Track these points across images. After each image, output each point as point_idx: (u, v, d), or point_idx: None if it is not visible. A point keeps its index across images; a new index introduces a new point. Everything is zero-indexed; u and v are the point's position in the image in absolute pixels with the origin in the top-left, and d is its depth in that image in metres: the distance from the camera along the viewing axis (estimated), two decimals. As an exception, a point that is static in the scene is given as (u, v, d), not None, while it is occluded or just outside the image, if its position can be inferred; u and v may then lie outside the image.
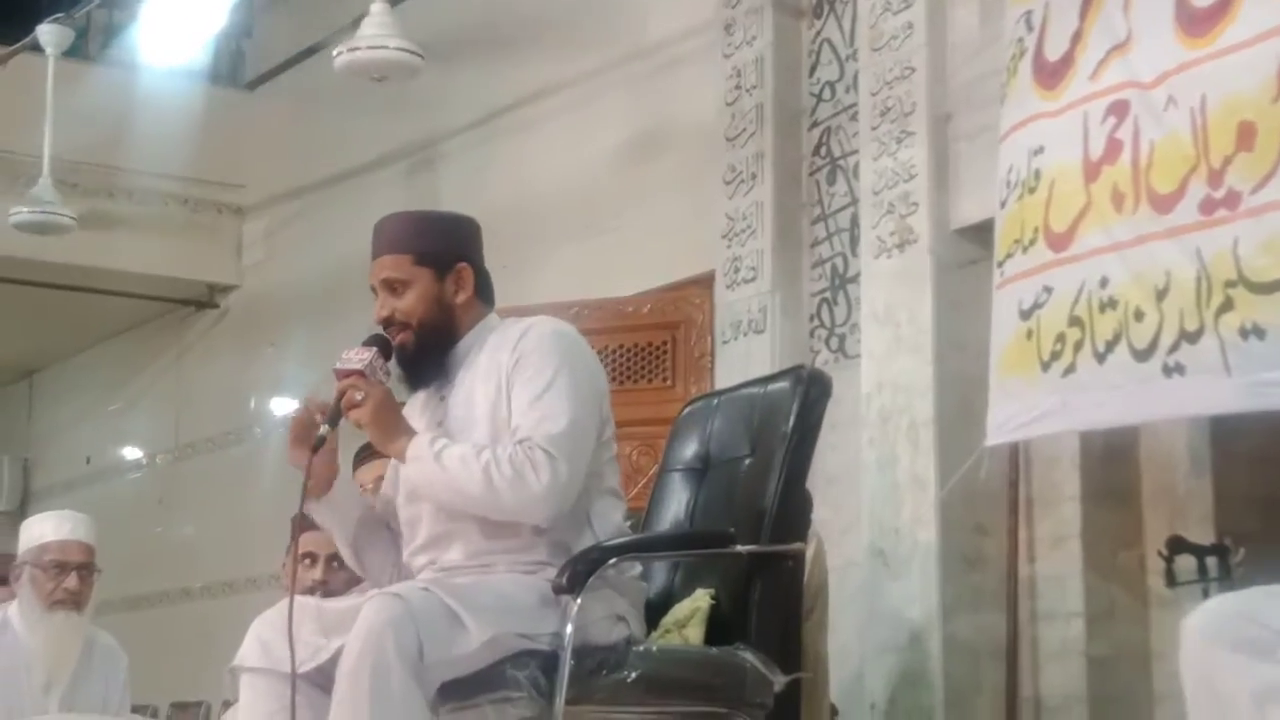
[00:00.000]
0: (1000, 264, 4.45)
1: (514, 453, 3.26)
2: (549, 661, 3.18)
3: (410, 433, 3.36)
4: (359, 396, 3.33)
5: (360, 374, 3.36)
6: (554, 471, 3.24)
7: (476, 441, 3.34)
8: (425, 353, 3.47)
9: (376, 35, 6.11)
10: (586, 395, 3.36)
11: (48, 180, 8.01)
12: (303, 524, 3.70)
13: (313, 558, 4.60)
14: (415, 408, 3.53)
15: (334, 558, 4.55)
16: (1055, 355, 4.15)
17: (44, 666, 4.71)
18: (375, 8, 6.26)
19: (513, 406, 3.35)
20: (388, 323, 3.46)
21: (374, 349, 3.40)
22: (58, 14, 7.97)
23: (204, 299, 9.90)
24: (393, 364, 3.44)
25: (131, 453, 10.68)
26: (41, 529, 4.81)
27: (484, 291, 3.52)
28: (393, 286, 3.46)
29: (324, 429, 3.38)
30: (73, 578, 4.71)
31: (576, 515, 3.35)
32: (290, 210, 9.27)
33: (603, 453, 3.42)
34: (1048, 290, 4.20)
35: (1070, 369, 4.10)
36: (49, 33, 7.84)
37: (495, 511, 3.31)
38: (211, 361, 9.83)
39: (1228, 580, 4.31)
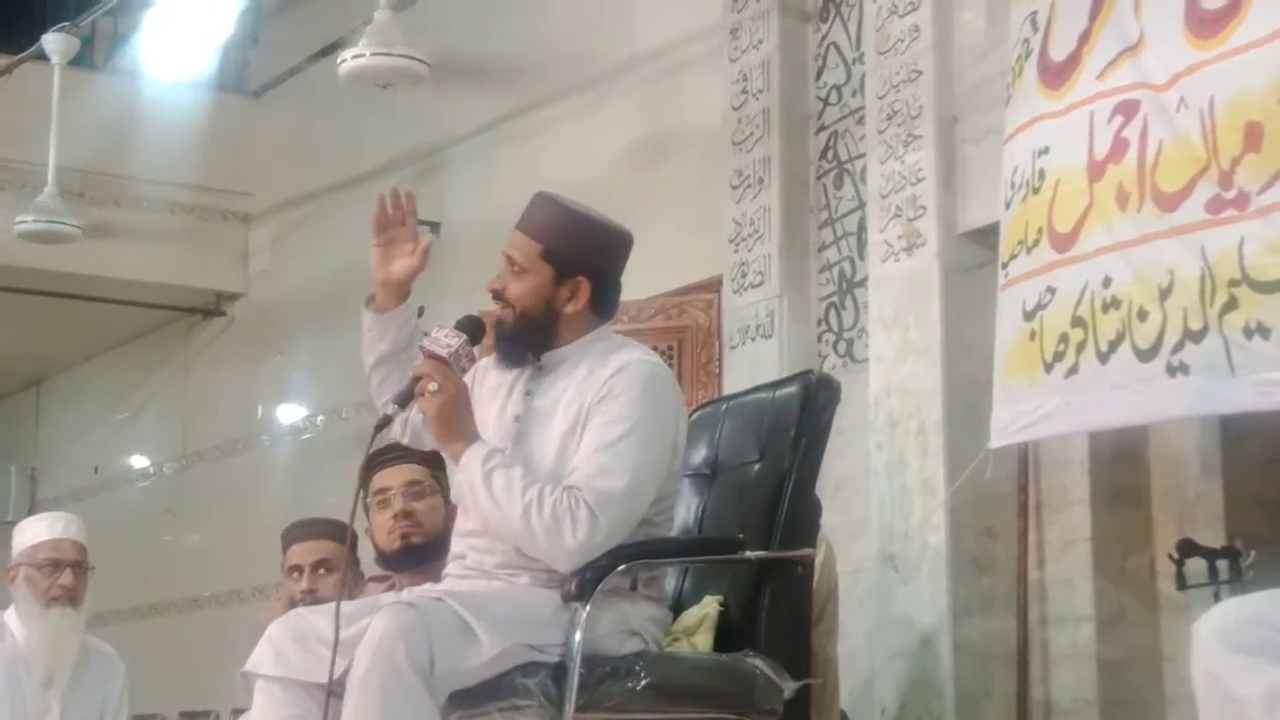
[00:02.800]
0: (1004, 265, 4.44)
1: (558, 499, 3.23)
2: (558, 670, 3.17)
3: (471, 437, 3.32)
4: (433, 387, 3.29)
5: (444, 361, 3.33)
6: (592, 530, 3.22)
7: (534, 469, 3.32)
8: (518, 340, 3.44)
9: (381, 43, 6.10)
10: (655, 458, 3.31)
11: (54, 189, 8.02)
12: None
13: (297, 569, 4.62)
14: (490, 379, 3.50)
15: (319, 564, 4.58)
16: (1058, 356, 4.14)
17: (43, 664, 4.77)
18: (380, 15, 6.26)
19: (581, 444, 3.31)
20: (497, 295, 3.44)
21: (464, 336, 3.37)
22: (63, 23, 7.98)
23: (211, 307, 9.90)
24: (487, 338, 3.45)
25: (139, 461, 10.68)
26: (35, 529, 4.90)
27: (600, 306, 3.45)
28: (514, 265, 3.42)
29: (391, 408, 3.39)
30: (67, 574, 4.78)
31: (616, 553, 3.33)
32: (297, 217, 9.27)
33: (660, 503, 3.40)
34: (1051, 291, 4.19)
35: (1073, 369, 4.09)
36: (54, 41, 7.85)
37: (525, 547, 3.30)
38: (218, 369, 9.83)
39: (1238, 583, 4.30)
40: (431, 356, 3.34)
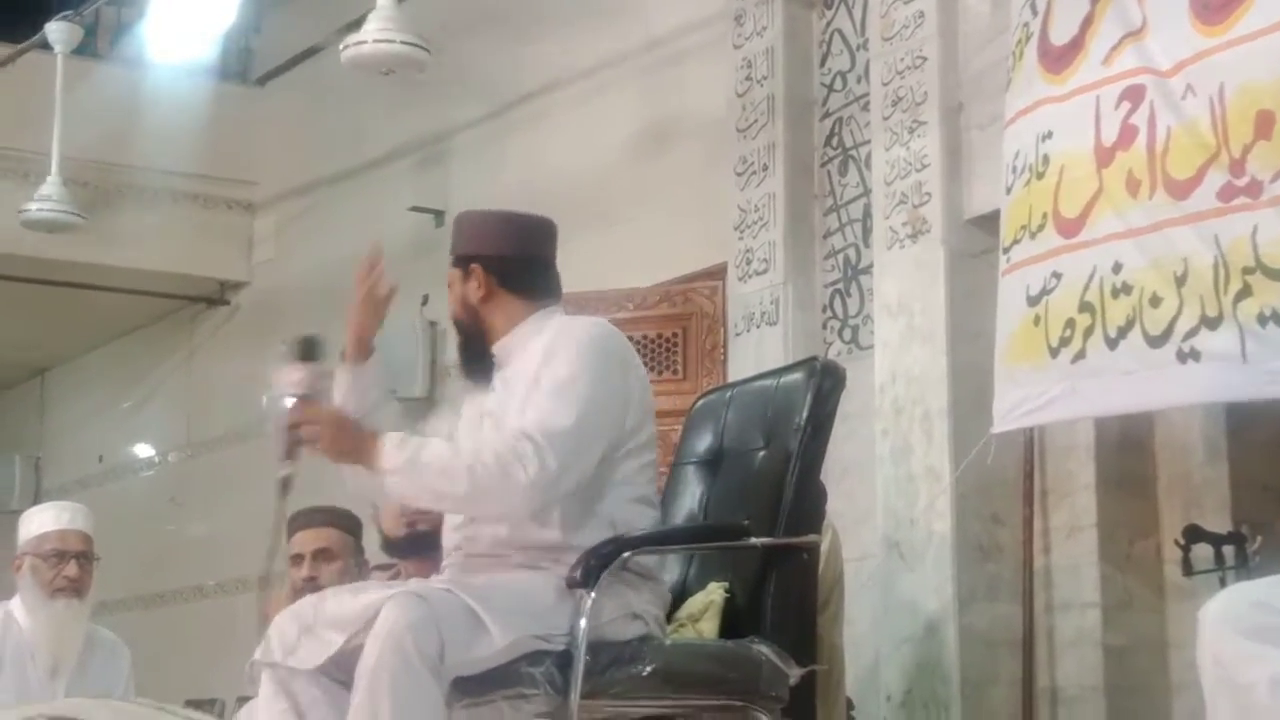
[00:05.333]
0: (1006, 250, 4.44)
1: (500, 445, 3.22)
2: (564, 657, 3.17)
3: (374, 443, 3.26)
4: (310, 435, 3.26)
5: (301, 400, 3.27)
6: (542, 466, 3.19)
7: (460, 439, 3.32)
8: (465, 350, 3.50)
9: (383, 30, 6.09)
10: (604, 401, 3.30)
11: (57, 178, 8.01)
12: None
13: (299, 558, 4.63)
14: (474, 400, 3.51)
15: (319, 553, 4.59)
16: (1064, 341, 4.13)
17: (49, 653, 4.78)
18: (382, 2, 6.24)
19: (528, 398, 3.32)
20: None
21: (301, 365, 3.31)
22: (66, 11, 7.96)
23: (215, 296, 9.89)
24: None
25: (143, 450, 10.67)
26: (40, 519, 4.89)
27: (519, 287, 3.46)
28: (449, 286, 3.50)
29: (287, 469, 3.31)
30: (72, 565, 4.78)
31: (600, 522, 3.32)
32: (301, 206, 9.26)
33: (631, 460, 3.38)
34: (1056, 276, 4.19)
35: (1080, 355, 4.08)
36: (58, 30, 7.84)
37: (483, 505, 3.28)
38: (223, 359, 9.82)
39: (1244, 569, 4.29)
40: (290, 401, 3.29)
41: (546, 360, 3.33)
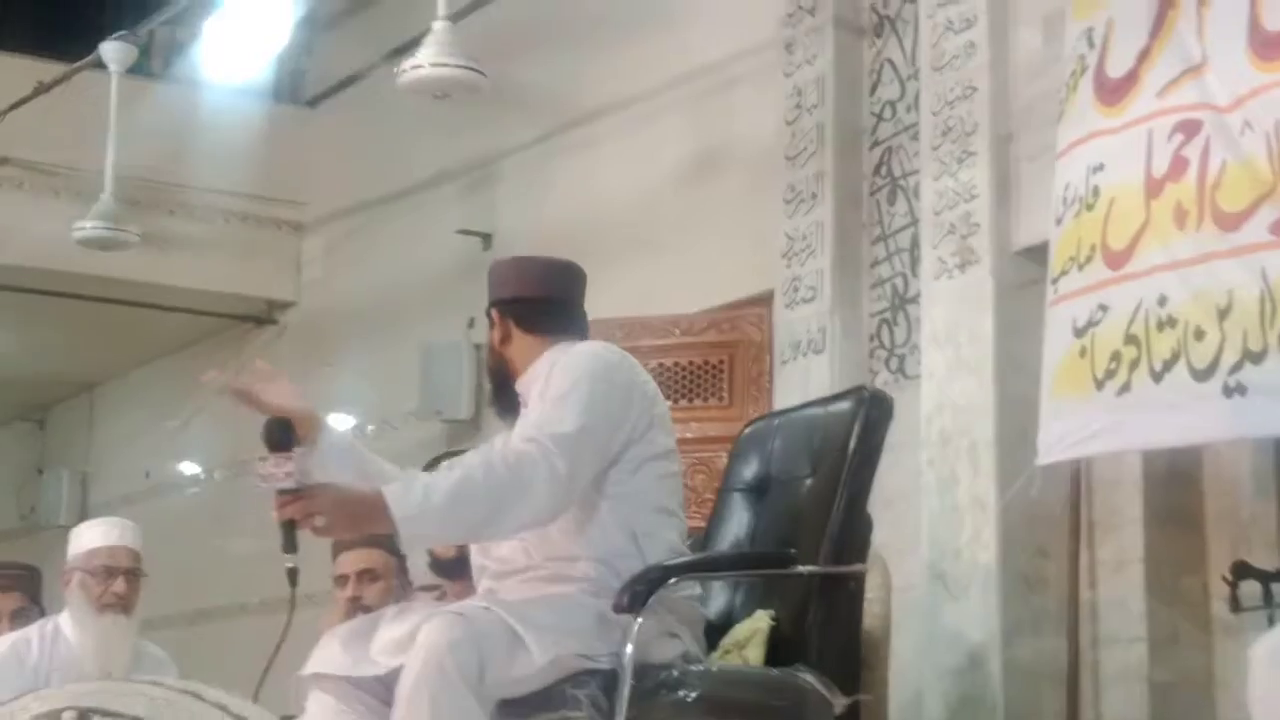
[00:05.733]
0: (1054, 281, 4.43)
1: (507, 456, 3.23)
2: (608, 680, 3.18)
3: (378, 501, 3.18)
4: (319, 522, 3.21)
5: (296, 491, 3.20)
6: (552, 468, 3.21)
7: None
8: (494, 391, 3.61)
9: (439, 53, 6.12)
10: (604, 409, 3.34)
11: (110, 197, 8.07)
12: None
13: (344, 579, 4.66)
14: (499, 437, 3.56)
15: (364, 574, 4.62)
16: (1110, 374, 4.12)
17: (97, 667, 4.79)
18: (437, 26, 6.27)
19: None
20: None
21: (286, 451, 3.23)
22: (121, 31, 8.03)
23: (263, 315, 9.95)
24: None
25: (190, 468, 10.72)
26: (90, 535, 4.92)
27: (535, 326, 3.54)
28: None
29: (290, 560, 3.29)
30: (120, 582, 4.80)
31: (621, 532, 3.33)
32: (349, 227, 9.30)
33: (648, 470, 3.41)
34: (1103, 308, 4.17)
35: (1125, 388, 4.07)
36: (113, 50, 7.89)
37: (507, 520, 3.25)
38: (270, 377, 9.84)
39: (1293, 606, 4.27)
40: (281, 494, 3.23)
41: (547, 381, 3.40)
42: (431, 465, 4.29)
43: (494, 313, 3.58)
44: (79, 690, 2.63)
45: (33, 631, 4.83)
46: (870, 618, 3.64)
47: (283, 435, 3.27)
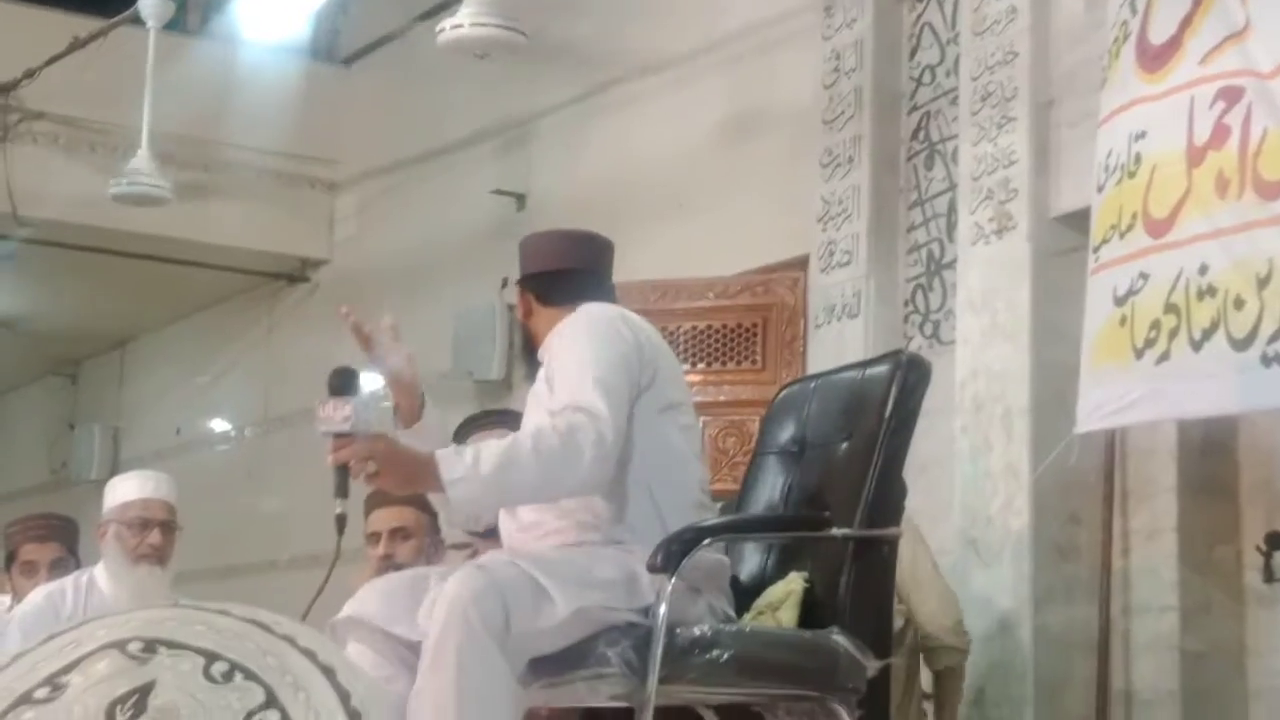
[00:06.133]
0: (1095, 249, 4.41)
1: (554, 429, 3.22)
2: (641, 639, 3.17)
3: (430, 462, 3.20)
4: (370, 468, 3.21)
5: (348, 435, 3.20)
6: (599, 434, 3.21)
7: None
8: (525, 362, 3.63)
9: (480, 12, 6.11)
10: (610, 359, 3.34)
11: (146, 153, 8.08)
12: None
13: (375, 536, 4.66)
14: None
15: (397, 531, 4.62)
16: (1149, 342, 4.10)
17: None
18: (476, -15, 6.26)
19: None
20: None
21: (346, 398, 3.23)
22: (158, -15, 8.02)
23: (295, 273, 9.97)
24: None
25: (220, 425, 10.76)
26: (125, 487, 4.94)
27: (553, 299, 3.56)
28: None
29: (339, 505, 3.29)
30: (155, 533, 4.83)
31: (636, 485, 3.33)
32: (383, 186, 9.31)
33: (661, 422, 3.40)
34: (1144, 276, 4.16)
35: (1164, 356, 4.05)
36: (150, 6, 7.90)
37: (553, 493, 3.28)
38: (301, 335, 9.88)
39: (1326, 577, 4.26)
40: (338, 438, 3.22)
41: (550, 357, 3.44)
42: (464, 426, 4.30)
43: (518, 287, 3.64)
44: (146, 618, 2.61)
45: (68, 582, 4.85)
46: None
47: (346, 381, 3.28)
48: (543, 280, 3.58)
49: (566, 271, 3.58)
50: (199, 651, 2.51)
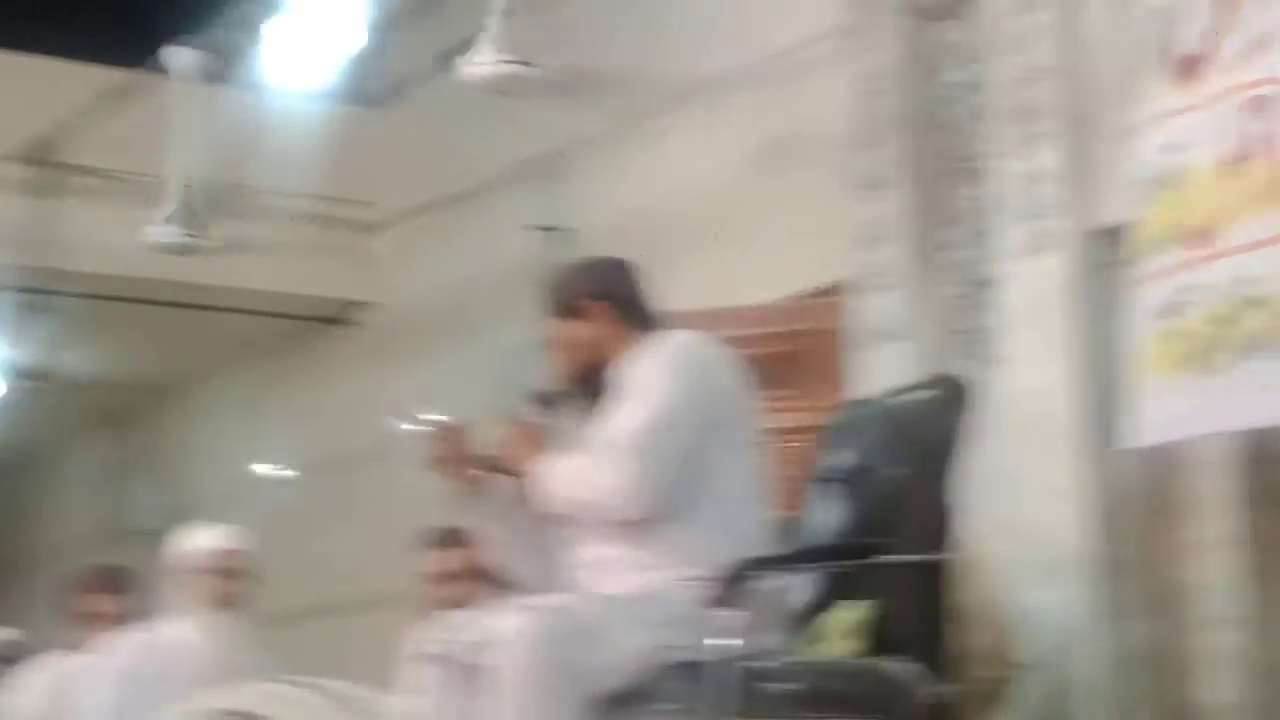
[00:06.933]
0: (1136, 263, 4.40)
1: (601, 454, 3.39)
2: (707, 674, 3.18)
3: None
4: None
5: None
6: (639, 460, 3.34)
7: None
8: (580, 393, 3.70)
9: (501, 50, 6.16)
10: (678, 396, 3.42)
11: (182, 202, 8.14)
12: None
13: (429, 577, 4.69)
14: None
15: (448, 574, 4.65)
16: (1195, 356, 4.09)
17: (209, 667, 4.87)
18: (499, 23, 6.31)
19: None
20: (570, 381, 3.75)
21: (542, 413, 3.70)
22: (188, 36, 8.09)
23: (338, 315, 10.01)
24: None
25: (269, 469, 10.81)
26: (206, 538, 5.07)
27: (630, 318, 3.67)
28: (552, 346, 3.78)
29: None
30: (238, 582, 4.93)
31: (703, 522, 3.35)
32: (419, 225, 9.34)
33: (732, 457, 3.43)
34: (1186, 289, 4.15)
35: (1212, 369, 4.04)
36: (180, 54, 7.97)
37: (600, 510, 3.42)
38: (346, 378, 9.93)
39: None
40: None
41: (637, 374, 3.52)
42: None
43: (592, 305, 3.72)
44: (252, 693, 2.68)
45: (150, 634, 4.95)
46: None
47: (548, 402, 3.72)
48: (631, 302, 3.67)
49: (636, 294, 3.70)
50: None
